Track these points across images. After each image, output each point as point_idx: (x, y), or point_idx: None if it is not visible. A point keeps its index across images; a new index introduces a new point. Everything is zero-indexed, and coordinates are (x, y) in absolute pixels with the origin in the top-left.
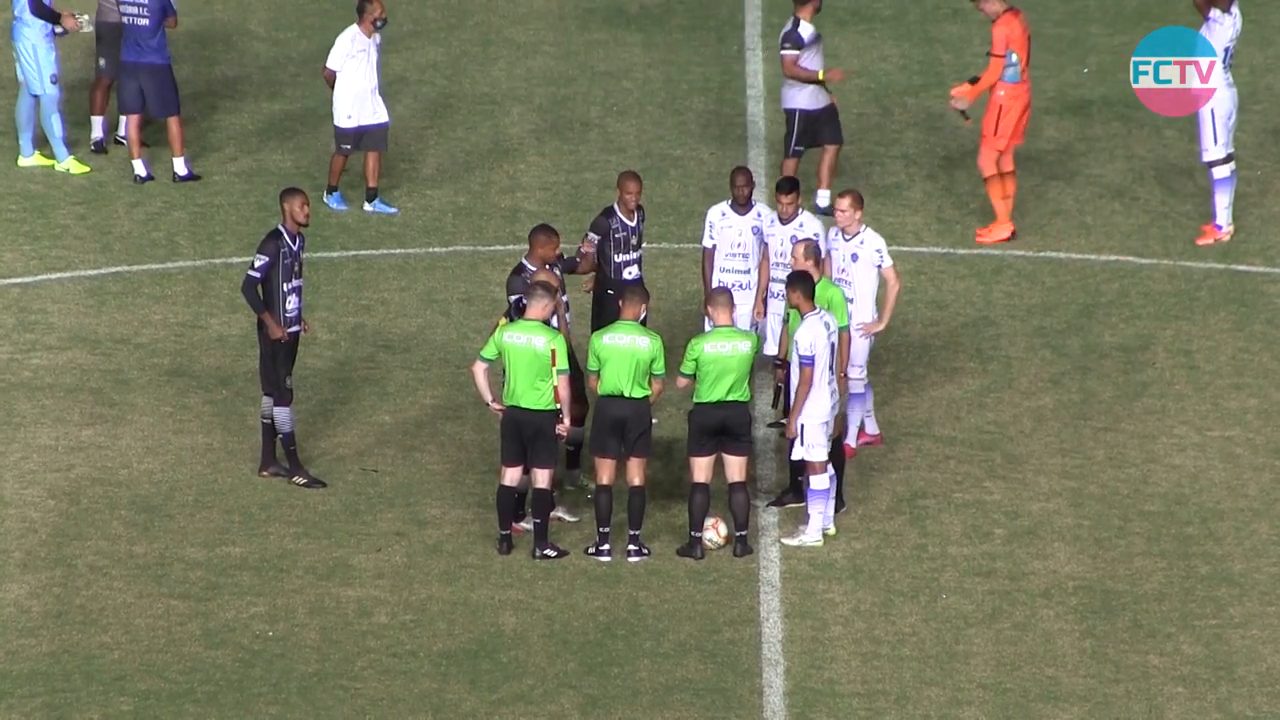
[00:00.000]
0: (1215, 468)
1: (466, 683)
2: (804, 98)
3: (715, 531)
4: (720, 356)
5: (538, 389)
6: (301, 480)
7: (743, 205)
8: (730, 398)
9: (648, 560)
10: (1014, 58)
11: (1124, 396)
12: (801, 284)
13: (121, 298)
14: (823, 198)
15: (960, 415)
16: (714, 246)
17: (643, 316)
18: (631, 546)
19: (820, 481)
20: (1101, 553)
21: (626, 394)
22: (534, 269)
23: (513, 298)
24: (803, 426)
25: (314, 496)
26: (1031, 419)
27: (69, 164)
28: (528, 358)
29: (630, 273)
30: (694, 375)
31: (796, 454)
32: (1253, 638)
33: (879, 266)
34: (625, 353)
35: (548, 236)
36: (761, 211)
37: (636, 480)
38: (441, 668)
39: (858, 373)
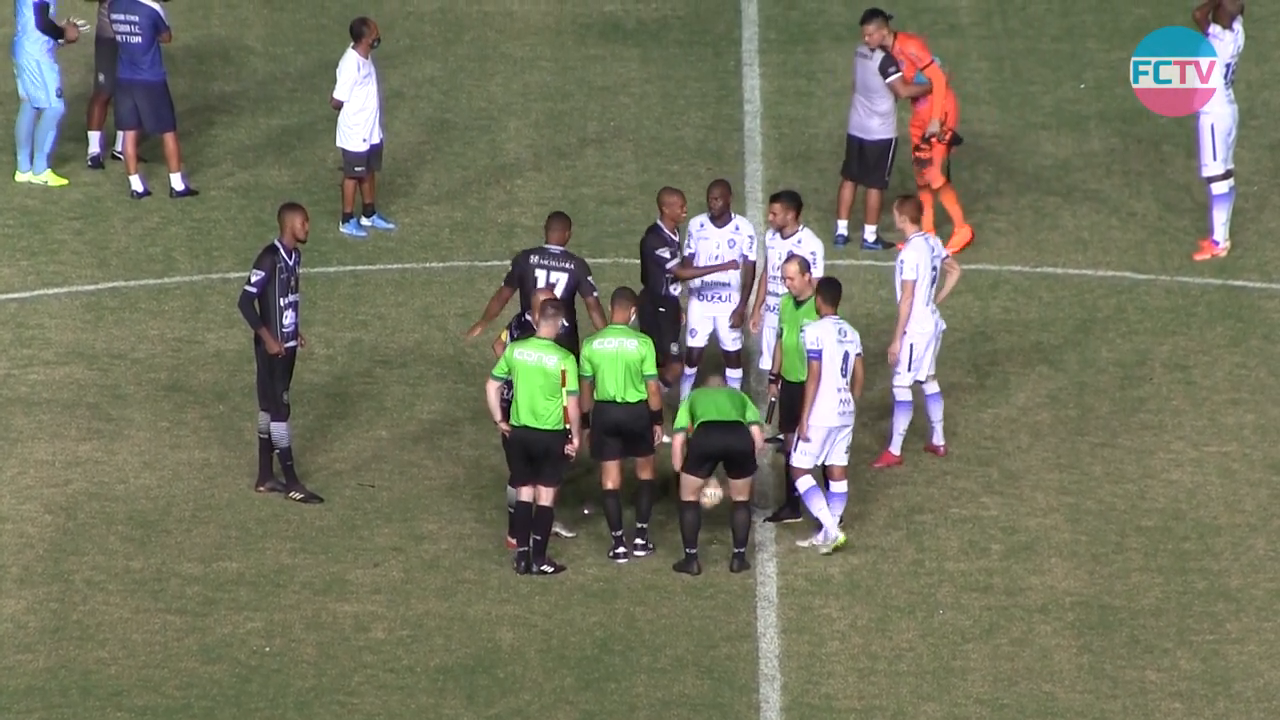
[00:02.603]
0: (1212, 483)
1: (463, 698)
2: (896, 124)
3: (712, 488)
4: (709, 390)
5: (544, 409)
6: (298, 495)
7: (718, 217)
8: (723, 417)
9: (645, 575)
10: (939, 58)
11: (1121, 412)
12: (829, 289)
13: (118, 313)
14: (870, 232)
15: (957, 430)
16: (693, 255)
17: (632, 320)
18: (639, 540)
19: (805, 482)
20: (1098, 568)
21: (620, 399)
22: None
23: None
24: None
25: (311, 511)
26: (1028, 434)
27: (46, 176)
28: (537, 376)
29: (673, 289)
30: (688, 425)
31: (796, 460)
32: (1249, 653)
33: (898, 279)
34: (614, 356)
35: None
36: (740, 225)
37: (645, 474)
38: (438, 683)
39: (929, 382)
